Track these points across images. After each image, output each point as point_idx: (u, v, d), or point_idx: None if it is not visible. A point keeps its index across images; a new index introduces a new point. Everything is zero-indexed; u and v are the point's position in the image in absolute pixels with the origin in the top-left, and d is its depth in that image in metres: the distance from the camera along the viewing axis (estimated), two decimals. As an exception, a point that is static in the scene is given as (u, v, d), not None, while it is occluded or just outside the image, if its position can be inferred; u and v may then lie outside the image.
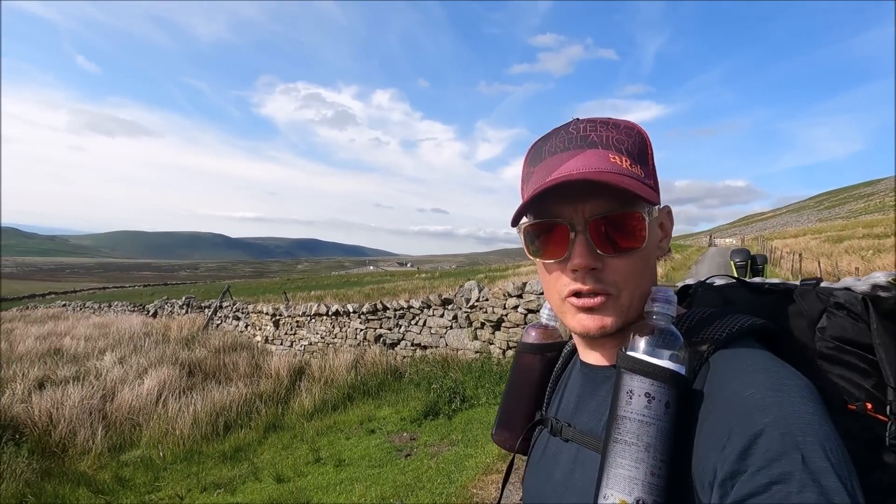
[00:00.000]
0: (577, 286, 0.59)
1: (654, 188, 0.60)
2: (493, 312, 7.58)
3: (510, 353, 7.39)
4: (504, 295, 7.52)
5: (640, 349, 0.53)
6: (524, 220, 0.63)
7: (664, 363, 0.52)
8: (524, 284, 7.38)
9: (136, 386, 7.57)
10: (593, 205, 0.58)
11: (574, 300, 0.60)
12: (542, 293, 7.15)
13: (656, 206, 0.59)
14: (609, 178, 0.55)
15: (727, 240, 58.13)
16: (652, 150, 0.62)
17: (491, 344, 7.64)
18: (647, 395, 0.51)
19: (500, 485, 3.87)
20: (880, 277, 0.57)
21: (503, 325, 7.52)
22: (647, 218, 0.58)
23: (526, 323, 7.27)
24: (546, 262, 0.62)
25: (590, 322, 0.59)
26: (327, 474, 4.64)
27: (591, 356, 0.67)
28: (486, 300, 7.73)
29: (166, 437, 6.17)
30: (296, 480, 4.66)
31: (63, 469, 5.51)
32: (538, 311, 7.33)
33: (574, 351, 0.75)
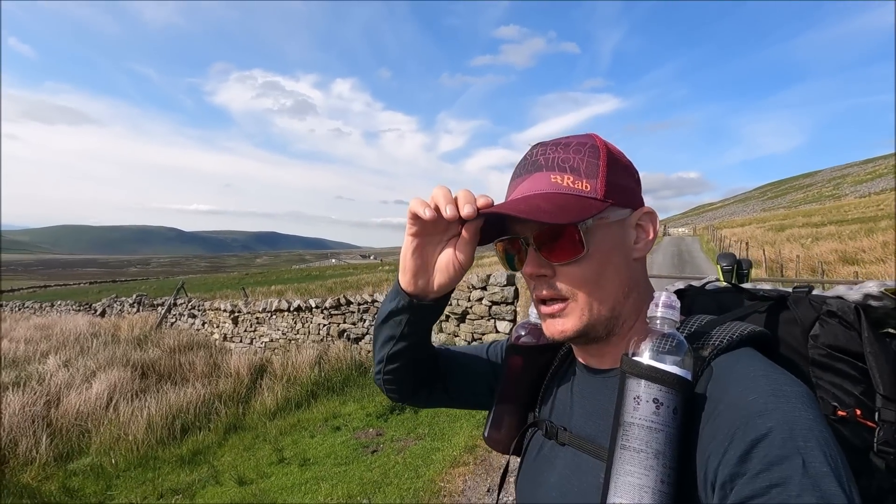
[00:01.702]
0: (536, 293, 0.65)
1: (604, 198, 0.61)
2: (458, 305, 7.61)
3: (475, 344, 7.45)
4: (468, 287, 7.56)
5: (644, 354, 0.52)
6: (498, 238, 0.69)
7: (671, 368, 0.51)
8: (488, 276, 7.43)
9: (83, 390, 7.15)
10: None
11: (541, 307, 0.65)
12: (506, 285, 7.23)
13: (602, 214, 0.61)
14: (524, 208, 0.59)
15: (680, 229, 60.72)
16: (605, 161, 0.63)
17: (456, 336, 7.67)
18: (655, 400, 0.50)
19: (466, 478, 3.88)
20: (872, 287, 0.59)
21: (468, 317, 7.56)
22: (581, 228, 0.60)
23: (490, 315, 7.34)
24: (519, 273, 0.69)
25: (551, 327, 0.64)
26: (292, 474, 4.54)
27: (589, 359, 0.68)
28: (451, 292, 7.76)
29: (118, 443, 5.87)
30: (259, 482, 4.53)
31: (3, 481, 5.15)
32: (502, 302, 7.43)
33: (569, 352, 0.75)
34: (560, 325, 0.63)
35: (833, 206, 40.45)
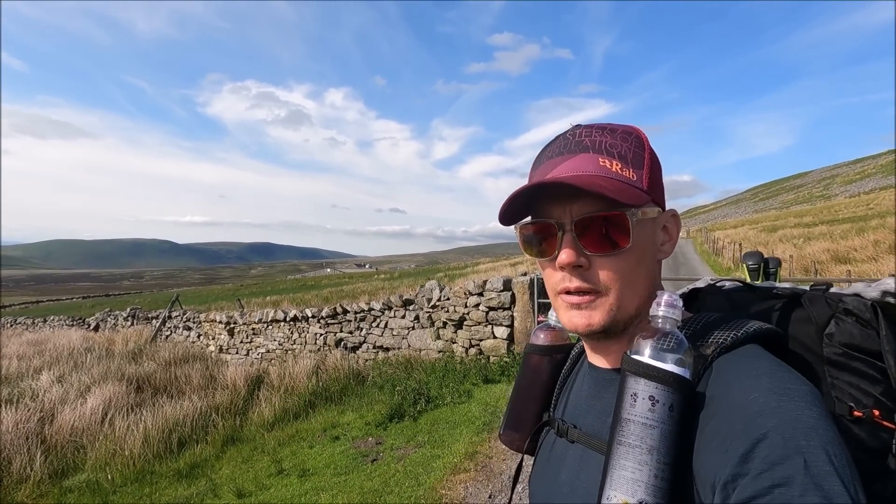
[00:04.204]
0: (566, 284, 0.61)
1: (647, 191, 0.61)
2: (455, 311, 7.61)
3: (473, 351, 7.44)
4: (465, 294, 7.56)
5: (644, 352, 0.53)
6: (523, 220, 0.66)
7: (668, 366, 0.52)
8: (484, 282, 7.44)
9: (77, 406, 7.07)
10: (580, 205, 0.60)
11: (565, 297, 0.62)
12: (502, 290, 7.24)
13: (644, 208, 0.60)
14: (584, 182, 0.57)
15: (673, 232, 60.76)
16: (650, 153, 0.63)
17: (454, 343, 7.66)
18: (651, 398, 0.51)
19: (467, 484, 3.87)
20: (890, 284, 0.57)
21: (465, 323, 7.55)
22: (631, 219, 0.58)
23: (487, 320, 7.34)
24: (540, 260, 0.65)
25: (578, 319, 0.61)
26: (291, 486, 4.50)
27: (599, 358, 0.68)
28: (448, 299, 7.74)
29: (114, 459, 5.79)
30: (258, 494, 4.49)
31: (-3, 501, 5.08)
32: (499, 308, 7.44)
33: (582, 353, 0.76)
34: (587, 318, 0.60)
35: (824, 207, 40.83)
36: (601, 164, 0.60)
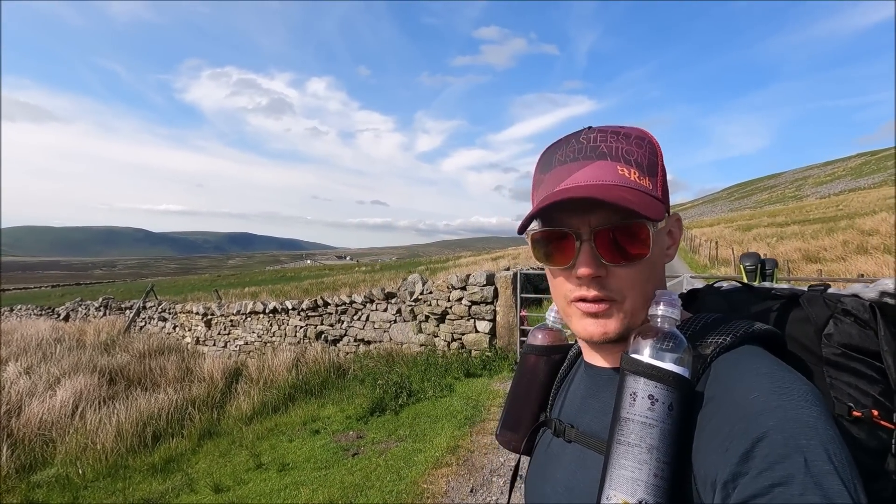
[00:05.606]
0: (582, 293, 0.60)
1: (662, 199, 0.60)
2: (438, 305, 7.60)
3: (455, 345, 7.45)
4: (448, 287, 7.55)
5: (643, 352, 0.53)
6: (532, 226, 0.64)
7: (668, 365, 0.52)
8: (468, 276, 7.44)
9: (46, 398, 6.87)
10: (599, 216, 0.59)
11: (580, 305, 0.61)
12: (485, 284, 7.25)
13: (664, 218, 0.59)
14: (613, 196, 0.56)
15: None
16: (662, 159, 0.63)
17: (436, 337, 7.66)
18: (650, 397, 0.51)
19: (448, 479, 3.88)
20: (889, 284, 0.58)
21: (447, 317, 7.56)
22: (651, 229, 0.58)
23: (470, 315, 7.36)
24: (552, 267, 0.64)
25: (593, 328, 0.60)
26: (270, 480, 4.44)
27: (597, 358, 0.68)
28: (430, 293, 7.73)
29: (86, 453, 5.64)
30: (236, 489, 4.42)
31: (-39, 496, 4.90)
32: (482, 302, 7.43)
33: (579, 353, 0.76)
34: (603, 327, 0.60)
35: (796, 207, 41.98)
36: (620, 172, 0.59)
